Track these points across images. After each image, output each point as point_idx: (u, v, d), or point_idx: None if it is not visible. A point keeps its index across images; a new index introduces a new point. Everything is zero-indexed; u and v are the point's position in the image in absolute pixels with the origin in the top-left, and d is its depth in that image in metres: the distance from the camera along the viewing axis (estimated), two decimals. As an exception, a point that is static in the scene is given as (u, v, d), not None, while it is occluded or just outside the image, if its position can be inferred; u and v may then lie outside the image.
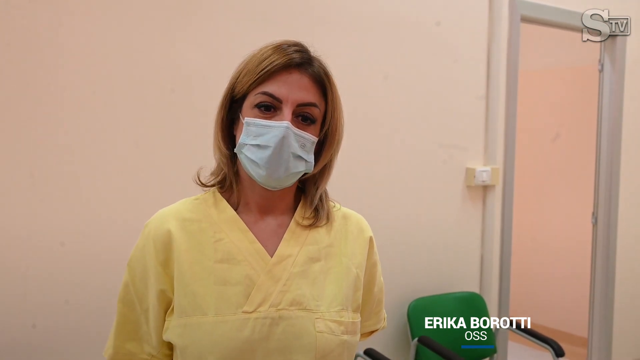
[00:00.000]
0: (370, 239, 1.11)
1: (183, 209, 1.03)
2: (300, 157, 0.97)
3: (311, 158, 0.99)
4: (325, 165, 1.04)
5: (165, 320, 1.00)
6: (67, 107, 1.80)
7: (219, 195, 1.04)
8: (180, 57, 1.96)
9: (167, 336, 0.98)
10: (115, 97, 1.87)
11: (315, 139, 0.99)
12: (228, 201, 1.03)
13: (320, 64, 1.00)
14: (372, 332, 1.19)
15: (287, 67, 0.96)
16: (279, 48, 0.97)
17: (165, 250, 0.99)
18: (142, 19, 1.89)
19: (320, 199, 1.06)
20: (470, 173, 2.71)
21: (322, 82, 0.99)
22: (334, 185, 1.09)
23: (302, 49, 0.99)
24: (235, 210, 1.02)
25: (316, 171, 1.03)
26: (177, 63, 1.96)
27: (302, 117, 0.97)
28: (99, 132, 1.85)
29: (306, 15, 2.21)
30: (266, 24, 2.10)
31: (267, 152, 0.94)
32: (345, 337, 0.99)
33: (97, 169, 1.85)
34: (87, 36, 1.81)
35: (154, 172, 1.94)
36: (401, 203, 2.55)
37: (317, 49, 1.02)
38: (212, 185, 1.06)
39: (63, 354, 1.82)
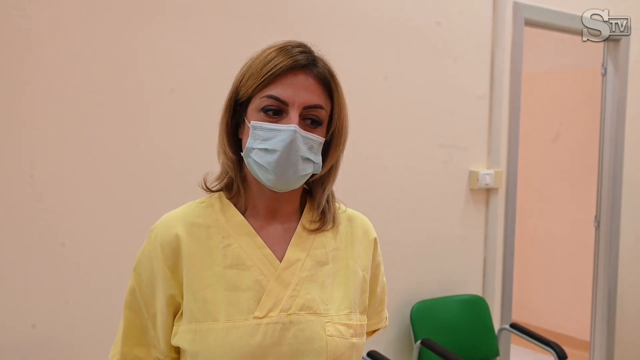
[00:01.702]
0: (375, 241, 1.11)
1: (190, 213, 1.01)
2: (308, 159, 0.96)
3: (319, 159, 0.98)
4: (331, 165, 1.03)
5: (173, 325, 0.99)
6: (67, 107, 1.79)
7: (225, 199, 1.02)
8: (180, 57, 1.95)
9: (176, 341, 0.97)
10: (115, 97, 1.86)
11: (322, 140, 0.98)
12: (235, 206, 1.02)
13: (325, 64, 0.99)
14: (374, 331, 1.20)
15: (293, 69, 0.95)
16: (284, 49, 0.96)
17: (174, 255, 0.98)
18: (142, 18, 1.88)
19: (327, 201, 1.05)
20: (473, 176, 2.71)
21: (328, 83, 0.98)
22: (334, 187, 1.08)
23: (306, 50, 0.98)
24: (243, 214, 1.01)
25: (324, 172, 1.02)
26: (177, 63, 1.95)
27: (310, 121, 0.96)
28: (99, 132, 1.84)
29: (306, 15, 2.21)
30: (266, 24, 2.10)
31: (275, 156, 0.92)
32: (354, 339, 0.99)
33: (97, 169, 1.84)
34: (87, 36, 1.81)
35: (153, 172, 1.94)
36: (404, 206, 2.54)
37: (320, 49, 1.01)
38: (218, 190, 1.04)
39: (63, 354, 1.82)
